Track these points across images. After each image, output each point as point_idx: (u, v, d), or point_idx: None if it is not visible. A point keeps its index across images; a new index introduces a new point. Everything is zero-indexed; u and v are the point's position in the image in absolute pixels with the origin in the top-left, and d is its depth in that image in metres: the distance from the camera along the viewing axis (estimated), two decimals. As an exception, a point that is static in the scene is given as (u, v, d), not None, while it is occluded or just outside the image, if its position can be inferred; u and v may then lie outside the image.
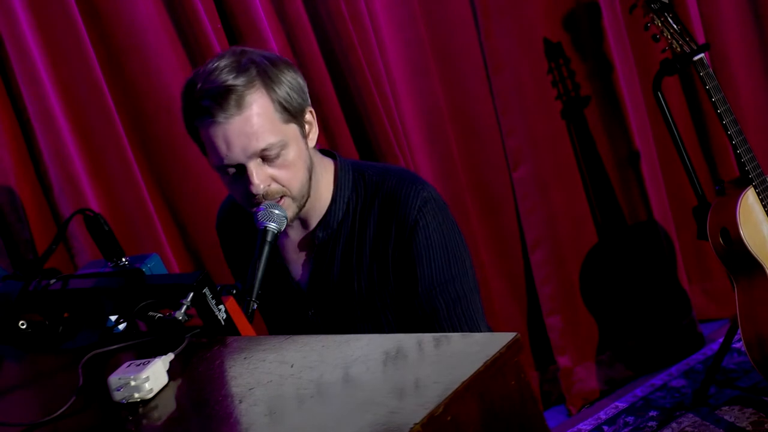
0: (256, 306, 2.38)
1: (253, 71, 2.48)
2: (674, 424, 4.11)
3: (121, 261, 2.20)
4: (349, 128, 3.92)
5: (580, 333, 4.61)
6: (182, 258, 3.71)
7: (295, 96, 2.53)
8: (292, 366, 1.76)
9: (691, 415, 4.13)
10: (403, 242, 2.61)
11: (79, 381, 1.83)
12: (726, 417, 4.04)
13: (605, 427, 4.25)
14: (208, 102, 2.46)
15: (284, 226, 2.52)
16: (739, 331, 3.77)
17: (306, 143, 2.59)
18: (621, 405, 4.39)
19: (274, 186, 2.53)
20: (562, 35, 4.47)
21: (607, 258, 4.67)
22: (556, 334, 4.49)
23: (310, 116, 2.61)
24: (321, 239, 2.71)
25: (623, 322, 4.69)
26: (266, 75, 2.49)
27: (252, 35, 3.68)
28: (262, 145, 2.47)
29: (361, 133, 3.90)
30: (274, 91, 2.49)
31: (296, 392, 1.67)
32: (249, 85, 2.46)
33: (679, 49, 3.78)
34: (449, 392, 1.51)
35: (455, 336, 1.70)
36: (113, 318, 2.11)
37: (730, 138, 3.72)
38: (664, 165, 4.70)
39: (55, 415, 1.77)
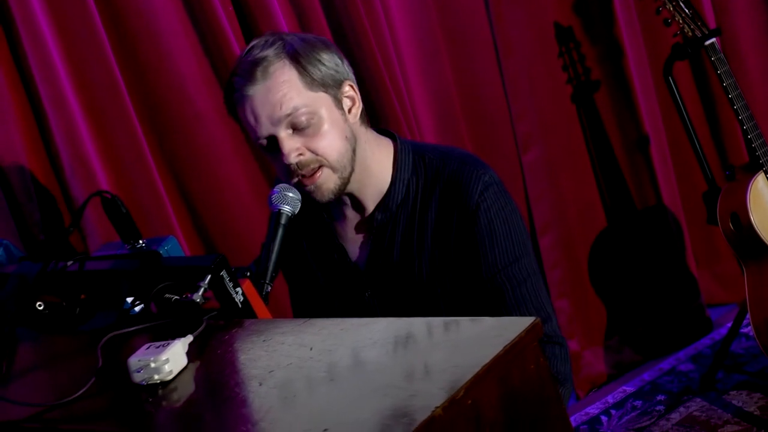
0: (269, 289, 2.37)
1: (280, 45, 2.50)
2: (682, 408, 4.11)
3: (138, 243, 2.21)
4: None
5: (589, 317, 4.62)
6: (193, 240, 3.71)
7: (327, 69, 2.52)
8: (311, 349, 1.76)
9: (698, 400, 4.14)
10: (465, 227, 2.59)
11: (99, 362, 1.83)
12: (734, 402, 4.04)
13: (613, 411, 4.26)
14: (237, 78, 2.52)
15: (298, 209, 2.50)
16: (748, 315, 3.77)
17: (343, 115, 2.56)
18: (629, 389, 4.40)
19: (309, 155, 2.51)
20: (572, 19, 4.46)
21: (615, 242, 4.68)
22: (564, 319, 4.49)
23: (350, 90, 2.59)
24: (379, 221, 2.68)
25: (632, 306, 4.70)
26: (293, 49, 2.50)
27: (263, 18, 3.68)
28: (286, 110, 2.46)
29: (372, 116, 3.87)
30: (300, 62, 2.48)
31: (316, 375, 1.67)
32: (273, 56, 2.48)
33: (690, 34, 3.77)
34: (469, 376, 1.52)
35: (474, 320, 1.71)
36: (130, 300, 2.11)
37: (741, 123, 3.72)
38: (673, 150, 4.70)
39: (75, 396, 1.77)
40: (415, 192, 2.66)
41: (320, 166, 2.53)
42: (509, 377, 1.59)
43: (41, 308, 2.16)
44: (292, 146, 2.49)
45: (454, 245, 2.62)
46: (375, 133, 2.72)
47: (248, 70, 2.49)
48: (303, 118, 2.48)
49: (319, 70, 2.50)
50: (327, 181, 2.55)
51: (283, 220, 2.47)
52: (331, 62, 2.54)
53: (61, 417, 1.77)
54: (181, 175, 3.67)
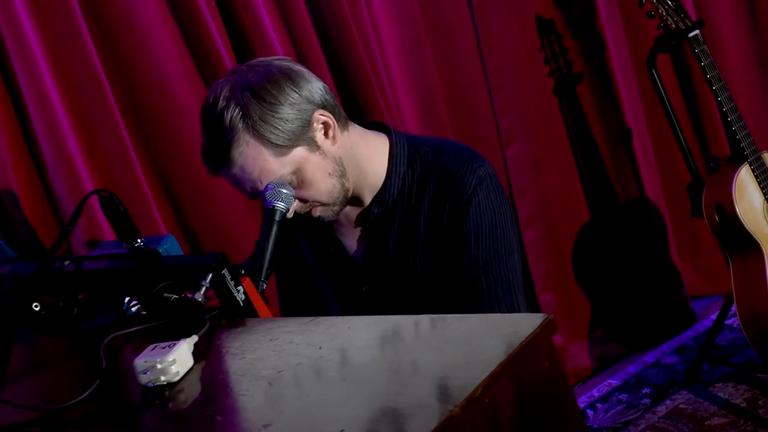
0: (264, 287, 2.35)
1: (237, 119, 2.45)
2: (668, 401, 4.11)
3: (137, 242, 2.18)
4: (343, 106, 3.86)
5: (573, 311, 4.61)
6: (178, 239, 3.63)
7: (290, 125, 2.48)
8: (320, 348, 1.74)
9: (684, 392, 4.14)
10: (455, 220, 2.59)
11: (102, 364, 1.80)
12: (720, 394, 4.04)
13: (599, 405, 4.25)
14: (207, 163, 2.56)
15: (292, 206, 2.49)
16: (733, 307, 3.77)
17: (321, 152, 2.54)
18: (614, 382, 4.39)
19: (300, 205, 2.55)
20: (554, 12, 4.46)
21: (599, 236, 4.67)
22: (549, 312, 4.47)
23: (322, 117, 2.55)
24: (376, 215, 2.68)
25: (616, 299, 4.70)
26: (251, 118, 2.44)
27: (245, 13, 3.64)
28: (264, 184, 2.49)
29: (355, 110, 3.87)
30: (263, 135, 2.45)
31: (328, 375, 1.65)
32: (234, 140, 2.45)
33: (674, 26, 3.76)
34: (486, 374, 1.50)
35: (490, 316, 1.70)
36: (129, 300, 2.08)
37: (726, 115, 3.72)
38: (655, 143, 4.70)
39: (80, 398, 1.74)
40: (411, 185, 2.66)
41: (313, 208, 2.58)
42: (524, 375, 1.57)
43: (37, 309, 2.13)
44: None
45: (444, 237, 2.62)
46: (363, 129, 2.72)
47: (214, 158, 2.52)
48: (286, 180, 2.50)
49: (283, 131, 2.47)
50: (324, 213, 2.61)
51: (277, 217, 2.45)
52: (292, 112, 2.49)
53: (67, 420, 1.74)
54: (165, 172, 3.63)
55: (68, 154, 3.35)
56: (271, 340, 1.83)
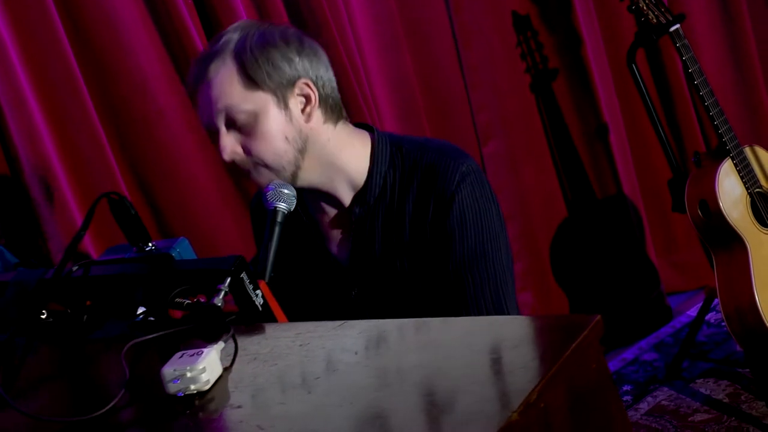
0: (268, 289, 2.29)
1: (232, 42, 2.48)
2: (650, 398, 4.10)
3: (147, 246, 2.11)
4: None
5: (552, 309, 4.60)
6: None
7: (272, 69, 2.46)
8: (356, 353, 1.67)
9: (666, 389, 4.13)
10: (440, 217, 2.54)
11: (126, 373, 1.72)
12: (701, 390, 4.04)
13: (579, 403, 4.22)
14: (191, 72, 2.56)
15: (294, 206, 2.44)
16: (716, 302, 3.76)
17: (288, 115, 2.50)
18: (594, 380, 4.37)
19: (243, 157, 2.50)
20: (530, 8, 4.45)
21: (577, 233, 4.66)
22: (527, 311, 4.47)
23: (306, 89, 2.51)
24: (357, 215, 2.62)
25: (593, 296, 4.69)
26: (243, 46, 2.46)
27: (223, 11, 3.61)
28: (220, 107, 2.45)
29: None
30: (242, 61, 2.45)
31: (370, 381, 1.58)
32: (216, 54, 2.47)
33: (655, 20, 3.75)
34: (540, 378, 1.44)
35: (537, 318, 1.64)
36: (143, 308, 2.00)
37: (708, 109, 3.70)
38: (630, 139, 4.69)
39: (105, 409, 1.66)
40: (393, 184, 2.61)
41: (255, 165, 2.51)
42: (574, 378, 1.52)
43: (45, 317, 2.05)
44: (226, 143, 2.49)
45: (429, 235, 2.57)
46: (351, 127, 2.67)
47: (197, 65, 2.52)
48: (237, 117, 2.46)
49: (262, 70, 2.45)
50: (261, 178, 2.54)
51: (279, 218, 2.42)
52: (281, 62, 2.47)
53: (92, 432, 1.66)
54: (144, 174, 3.60)
55: (45, 157, 3.31)
56: (301, 345, 1.76)
